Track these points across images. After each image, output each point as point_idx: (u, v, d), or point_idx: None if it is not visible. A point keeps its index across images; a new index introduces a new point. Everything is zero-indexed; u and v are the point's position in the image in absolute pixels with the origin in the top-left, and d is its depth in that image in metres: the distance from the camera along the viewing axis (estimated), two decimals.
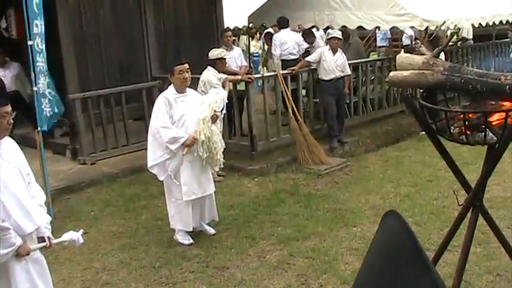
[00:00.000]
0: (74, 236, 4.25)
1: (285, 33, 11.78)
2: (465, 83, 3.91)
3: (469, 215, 4.41)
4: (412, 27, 11.44)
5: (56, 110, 7.55)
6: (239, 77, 9.44)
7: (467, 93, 4.07)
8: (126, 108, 9.85)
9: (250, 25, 15.05)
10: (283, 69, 10.83)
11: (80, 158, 9.56)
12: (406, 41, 16.51)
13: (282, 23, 11.89)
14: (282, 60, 11.78)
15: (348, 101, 10.91)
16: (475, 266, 5.50)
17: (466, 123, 3.93)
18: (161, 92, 6.85)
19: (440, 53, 4.34)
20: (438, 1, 11.02)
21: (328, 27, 11.98)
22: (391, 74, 4.23)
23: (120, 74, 11.16)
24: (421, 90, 4.38)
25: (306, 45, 12.20)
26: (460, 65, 4.47)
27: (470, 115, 4.01)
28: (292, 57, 11.66)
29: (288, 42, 11.73)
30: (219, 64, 8.41)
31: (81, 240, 4.31)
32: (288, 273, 5.72)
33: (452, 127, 4.02)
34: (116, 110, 9.75)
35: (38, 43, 7.07)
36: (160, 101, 6.34)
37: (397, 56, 4.31)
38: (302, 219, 7.11)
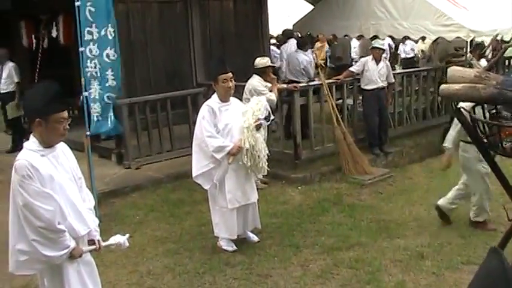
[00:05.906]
0: (120, 239, 4.37)
1: (291, 45, 11.65)
2: None
3: None
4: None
5: (111, 124, 7.74)
6: (284, 86, 9.47)
7: None
8: (172, 114, 9.97)
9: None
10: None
11: (125, 162, 9.71)
12: (411, 53, 16.21)
13: (288, 34, 11.82)
14: None
15: (391, 111, 10.84)
16: None
17: None
18: (206, 99, 6.90)
19: (492, 66, 4.30)
20: (485, 12, 10.86)
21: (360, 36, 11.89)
22: (443, 86, 4.20)
23: (166, 80, 11.31)
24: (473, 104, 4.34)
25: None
26: None
27: None
28: None
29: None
30: (267, 72, 8.42)
31: (127, 244, 4.41)
32: (332, 282, 5.72)
33: (504, 142, 3.97)
34: (161, 116, 9.89)
35: (91, 49, 7.24)
36: (204, 110, 6.37)
37: (449, 69, 4.27)
38: (346, 229, 7.10)
